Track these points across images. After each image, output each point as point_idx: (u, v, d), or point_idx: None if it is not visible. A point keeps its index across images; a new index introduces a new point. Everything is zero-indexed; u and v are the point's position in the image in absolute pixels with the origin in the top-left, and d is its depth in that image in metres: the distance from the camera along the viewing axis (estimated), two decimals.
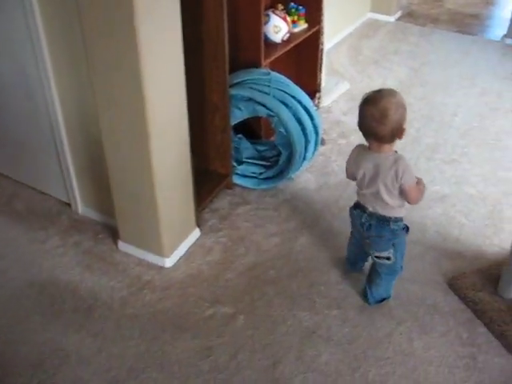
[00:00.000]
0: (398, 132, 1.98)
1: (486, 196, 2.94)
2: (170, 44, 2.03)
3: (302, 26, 3.28)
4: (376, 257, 2.23)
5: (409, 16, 5.46)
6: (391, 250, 2.19)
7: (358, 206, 2.21)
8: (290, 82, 2.79)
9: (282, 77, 2.78)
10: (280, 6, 3.14)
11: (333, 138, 3.37)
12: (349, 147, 3.19)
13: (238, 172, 2.87)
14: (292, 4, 3.24)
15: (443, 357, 2.07)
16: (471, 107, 3.81)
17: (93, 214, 2.68)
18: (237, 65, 2.80)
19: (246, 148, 2.87)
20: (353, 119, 3.49)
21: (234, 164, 2.86)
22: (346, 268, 2.47)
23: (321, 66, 3.48)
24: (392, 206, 2.10)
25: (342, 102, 3.78)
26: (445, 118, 3.66)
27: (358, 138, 3.18)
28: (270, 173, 2.85)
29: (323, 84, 3.72)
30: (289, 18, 3.09)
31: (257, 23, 2.72)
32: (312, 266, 2.46)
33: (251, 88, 2.63)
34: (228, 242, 2.56)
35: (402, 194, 2.06)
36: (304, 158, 2.81)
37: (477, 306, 2.25)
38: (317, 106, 3.50)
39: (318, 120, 2.81)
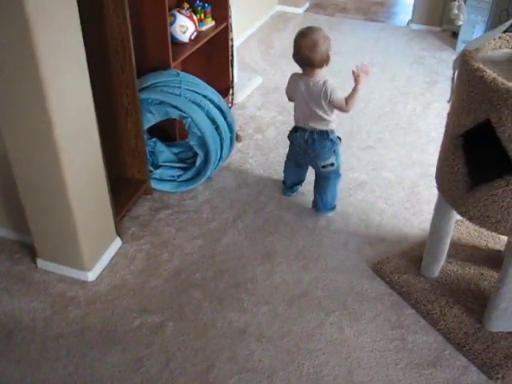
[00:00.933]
0: (326, 58, 2.47)
1: (403, 179, 3.02)
2: (71, 52, 1.98)
3: (210, 23, 3.27)
4: (322, 167, 2.66)
5: (317, 7, 5.55)
6: (334, 157, 2.64)
7: (298, 129, 2.64)
8: (201, 81, 2.78)
9: (193, 77, 2.77)
10: (186, 5, 3.12)
11: (249, 134, 3.38)
12: (265, 142, 3.27)
13: (156, 176, 2.83)
14: (198, 2, 3.21)
15: (374, 342, 2.12)
16: (383, 93, 3.91)
17: (8, 233, 2.58)
18: (146, 67, 2.76)
19: (162, 151, 2.83)
20: (268, 113, 3.58)
21: (151, 169, 2.82)
22: (284, 194, 2.89)
23: (232, 62, 3.48)
24: (328, 121, 2.55)
25: (256, 97, 3.80)
26: (359, 105, 3.68)
27: (274, 132, 3.24)
28: (188, 175, 2.83)
29: (236, 80, 3.73)
30: (195, 17, 3.07)
31: (162, 24, 2.69)
32: (237, 264, 2.46)
33: (162, 91, 2.61)
34: (151, 249, 2.53)
35: (336, 107, 2.53)
36: (220, 157, 2.81)
37: (402, 288, 2.31)
38: (231, 102, 3.50)
39: (231, 118, 2.81)
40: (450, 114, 2.00)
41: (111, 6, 2.32)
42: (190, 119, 2.60)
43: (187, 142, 2.81)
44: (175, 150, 2.89)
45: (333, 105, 2.52)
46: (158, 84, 2.64)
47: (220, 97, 2.80)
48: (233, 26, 3.49)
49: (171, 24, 2.90)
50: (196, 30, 3.05)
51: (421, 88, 3.99)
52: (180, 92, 2.60)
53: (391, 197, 2.88)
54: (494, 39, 2.00)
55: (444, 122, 2.06)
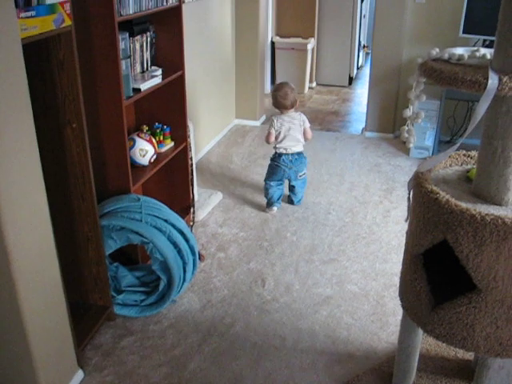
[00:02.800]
0: (294, 103, 3.84)
1: (368, 292, 3.02)
2: (30, 183, 1.98)
3: (169, 144, 3.34)
4: (299, 176, 3.89)
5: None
6: (305, 169, 3.93)
7: (281, 154, 3.84)
8: (162, 205, 2.80)
9: (154, 201, 2.79)
10: (145, 128, 3.19)
11: (211, 253, 3.37)
12: (228, 260, 3.28)
13: (119, 302, 2.79)
14: (157, 124, 3.29)
15: None
16: (343, 203, 4.00)
17: None
18: (106, 193, 2.79)
19: (124, 276, 2.80)
20: (229, 230, 3.61)
21: (114, 294, 2.77)
22: (270, 208, 3.88)
23: (192, 180, 3.54)
24: (301, 143, 3.84)
25: (217, 214, 3.84)
26: (319, 217, 3.81)
27: (237, 249, 3.26)
28: (151, 299, 2.79)
29: (197, 197, 3.79)
30: (154, 140, 3.14)
31: (122, 150, 2.74)
32: None
33: (123, 216, 2.62)
34: (115, 380, 2.43)
35: (305, 133, 3.84)
36: (184, 280, 2.79)
37: None
38: (192, 220, 3.52)
39: (193, 240, 2.82)
40: (408, 234, 2.04)
41: (71, 136, 2.37)
42: (151, 244, 2.59)
43: (150, 265, 2.79)
44: (138, 274, 2.86)
45: (305, 130, 3.84)
46: (119, 209, 2.65)
47: (181, 220, 2.81)
48: (192, 144, 3.58)
49: (131, 148, 2.95)
50: (155, 152, 3.11)
51: (379, 196, 4.10)
52: (141, 217, 2.61)
53: (357, 310, 2.87)
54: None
55: (404, 229, 2.09)
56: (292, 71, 6.84)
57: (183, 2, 3.26)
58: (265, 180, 3.92)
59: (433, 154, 4.78)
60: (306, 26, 6.90)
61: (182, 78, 3.26)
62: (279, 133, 3.81)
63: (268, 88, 6.72)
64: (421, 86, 1.92)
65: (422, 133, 4.73)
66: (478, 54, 1.84)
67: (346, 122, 5.86)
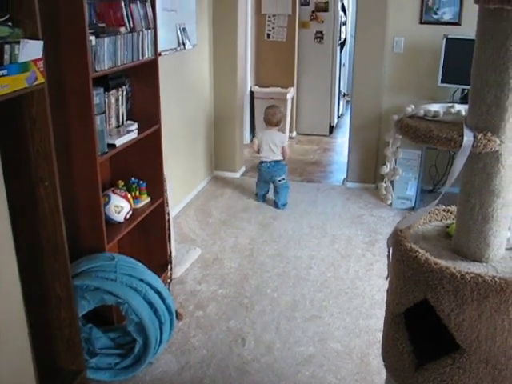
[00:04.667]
0: (279, 122, 4.92)
1: (351, 349, 3.00)
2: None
3: (145, 200, 3.34)
4: (279, 180, 4.85)
5: (253, 170, 5.77)
6: (284, 175, 4.91)
7: (262, 162, 4.88)
8: (138, 263, 2.79)
9: (129, 259, 2.77)
10: (120, 183, 3.19)
11: (190, 311, 3.34)
12: (207, 319, 3.26)
13: (93, 365, 2.73)
14: (133, 179, 3.29)
15: None
16: (324, 257, 4.00)
17: None
18: (79, 251, 2.76)
19: (98, 338, 2.76)
20: (208, 287, 3.60)
21: (87, 357, 2.72)
22: (259, 201, 4.99)
23: (169, 236, 3.53)
24: (278, 154, 4.83)
25: (195, 270, 3.82)
26: (300, 272, 3.80)
27: (216, 307, 3.25)
28: (126, 361, 2.74)
29: (174, 253, 3.76)
30: (130, 195, 3.14)
31: (96, 207, 2.74)
32: None
33: (97, 276, 2.59)
34: None
35: (282, 150, 4.87)
36: (160, 342, 2.75)
37: None
38: (170, 277, 3.50)
39: (170, 299, 2.80)
40: (389, 292, 2.05)
41: (43, 194, 2.34)
42: (126, 305, 2.57)
43: (125, 326, 2.75)
44: (113, 335, 2.82)
45: (282, 148, 4.84)
46: (93, 269, 2.63)
47: (158, 278, 2.80)
48: (169, 199, 3.58)
49: (105, 205, 2.94)
50: (131, 208, 3.11)
51: (361, 249, 4.12)
52: (116, 277, 2.59)
53: (341, 370, 2.84)
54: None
55: (387, 283, 2.09)
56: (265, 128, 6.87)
57: (159, 54, 3.32)
58: (257, 178, 5.04)
59: (415, 203, 4.83)
60: (285, 75, 7.01)
61: (158, 132, 3.28)
62: (261, 144, 4.86)
63: (247, 138, 6.79)
64: (397, 142, 1.96)
65: (403, 183, 4.78)
66: (453, 110, 1.89)
67: (327, 172, 5.92)
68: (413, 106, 1.93)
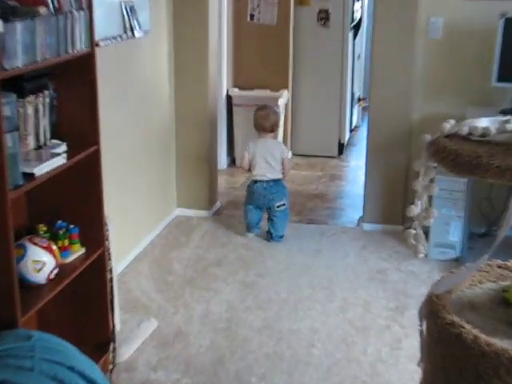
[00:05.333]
0: (275, 126, 5.21)
1: None
2: None
3: (78, 252, 3.27)
4: (277, 206, 5.09)
5: (233, 206, 5.79)
6: (285, 199, 5.15)
7: (256, 181, 5.08)
8: (67, 344, 2.69)
9: (54, 338, 2.69)
10: (42, 229, 3.14)
11: None
12: None
13: None
14: (60, 223, 3.24)
15: None
16: (332, 331, 3.94)
17: None
18: None
19: None
20: (167, 375, 3.59)
21: None
22: (250, 232, 5.25)
23: (112, 303, 3.49)
24: (278, 171, 5.06)
25: (149, 350, 3.74)
26: (298, 352, 3.74)
27: None
28: None
29: (119, 327, 3.71)
30: (55, 246, 3.07)
31: (5, 263, 2.66)
32: None
33: (6, 364, 2.52)
34: None
35: (282, 164, 5.09)
36: None
37: None
38: (112, 362, 3.45)
39: None
40: (422, 383, 2.03)
41: None
42: None
43: None
44: None
45: (283, 160, 5.10)
46: (1, 353, 2.56)
47: (95, 365, 2.72)
48: (112, 249, 3.55)
49: (19, 260, 2.87)
50: (57, 264, 3.04)
51: (385, 318, 4.07)
52: (33, 364, 2.52)
53: None
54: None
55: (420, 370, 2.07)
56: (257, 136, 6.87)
57: (97, 45, 3.31)
58: (244, 204, 5.22)
59: (461, 253, 4.79)
60: (276, 73, 7.05)
61: (96, 156, 3.25)
62: (254, 158, 5.05)
63: (223, 162, 6.84)
64: (431, 172, 1.95)
65: (444, 223, 4.74)
66: (509, 126, 1.89)
67: (335, 209, 5.91)
68: (453, 122, 1.94)
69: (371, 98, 5.30)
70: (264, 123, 5.09)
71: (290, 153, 6.24)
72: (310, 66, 7.24)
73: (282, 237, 5.12)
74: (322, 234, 5.35)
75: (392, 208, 5.32)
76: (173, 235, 5.28)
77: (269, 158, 5.02)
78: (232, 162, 7.20)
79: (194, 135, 5.53)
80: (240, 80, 7.13)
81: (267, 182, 5.03)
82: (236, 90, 7.03)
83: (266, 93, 6.93)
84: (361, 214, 5.54)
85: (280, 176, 5.09)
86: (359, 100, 8.34)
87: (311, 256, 4.95)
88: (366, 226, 5.42)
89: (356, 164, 7.16)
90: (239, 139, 6.95)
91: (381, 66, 5.14)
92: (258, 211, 5.17)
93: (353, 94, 7.87)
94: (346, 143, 7.66)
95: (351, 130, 8.09)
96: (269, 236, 5.14)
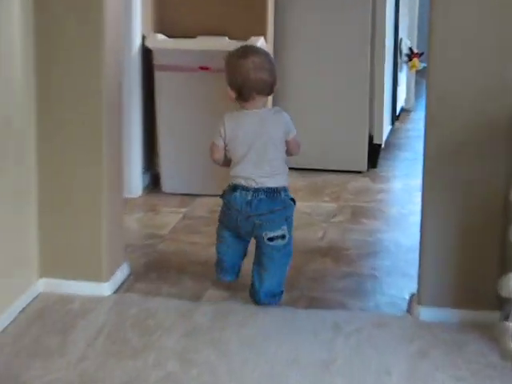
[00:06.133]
0: (274, 84, 4.51)
1: None
2: None
3: None
4: (269, 239, 4.45)
5: (157, 272, 5.35)
6: (285, 227, 4.50)
7: (236, 188, 4.44)
8: None
9: None
10: None
11: None
12: None
13: None
14: None
15: None
16: None
17: None
18: None
19: None
20: None
21: None
22: (220, 279, 4.84)
23: None
24: (283, 171, 4.51)
25: None
26: None
27: None
28: None
29: None
30: None
31: None
32: None
33: None
34: None
35: (288, 146, 4.57)
36: None
37: None
38: None
39: None
40: None
41: None
42: None
43: None
44: None
45: (288, 143, 4.48)
46: None
47: None
48: None
49: None
50: None
51: None
52: None
53: None
54: None
55: None
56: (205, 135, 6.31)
57: None
58: (217, 227, 4.70)
59: None
60: (242, 4, 6.72)
61: None
62: (234, 145, 4.44)
63: (137, 186, 6.71)
64: None
65: None
66: None
67: (360, 278, 5.35)
68: None
69: (432, 54, 4.54)
70: (260, 79, 4.28)
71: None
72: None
73: (276, 295, 4.53)
74: (335, 327, 4.60)
75: (476, 280, 4.65)
76: (31, 335, 4.57)
77: (262, 145, 4.35)
78: (153, 181, 6.95)
79: (72, 137, 4.97)
80: (167, 20, 6.75)
81: (255, 191, 4.34)
82: (161, 37, 6.63)
83: (221, 42, 6.42)
84: (414, 289, 4.85)
85: (282, 182, 4.40)
86: (410, 57, 8.08)
87: (315, 374, 4.22)
88: (425, 314, 4.68)
89: (404, 186, 7.01)
90: (166, 134, 6.64)
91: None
92: (236, 242, 4.65)
93: (398, 47, 7.72)
94: (383, 144, 7.38)
95: (395, 119, 8.06)
96: (254, 293, 4.55)
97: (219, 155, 4.48)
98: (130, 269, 5.40)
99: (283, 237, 4.41)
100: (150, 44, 6.46)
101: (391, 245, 5.83)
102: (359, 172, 6.98)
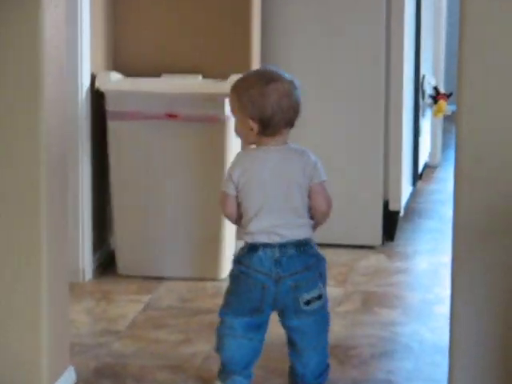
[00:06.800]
0: (294, 119, 4.45)
1: None
2: None
3: None
4: (306, 302, 4.31)
5: (111, 378, 5.05)
6: (321, 285, 4.39)
7: (256, 247, 4.23)
8: None
9: None
10: None
11: None
12: None
13: None
14: None
15: None
16: None
17: None
18: None
19: None
20: None
21: None
22: (225, 379, 4.44)
23: None
24: (306, 220, 4.38)
25: None
26: None
27: None
28: None
29: None
30: None
31: None
32: None
33: None
34: None
35: (313, 197, 4.41)
36: None
37: None
38: None
39: None
40: None
41: None
42: None
43: None
44: None
45: (313, 191, 4.38)
46: None
47: None
48: None
49: None
50: None
51: None
52: None
53: None
54: None
55: None
56: (172, 203, 6.37)
57: None
58: (220, 313, 4.34)
59: None
60: (219, 33, 6.71)
61: None
62: (248, 191, 4.24)
63: (86, 268, 6.45)
64: None
65: None
66: None
67: None
68: None
69: (459, 95, 4.22)
70: (291, 107, 4.17)
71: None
72: (306, 12, 6.89)
73: (324, 372, 4.37)
74: None
75: None
76: None
77: (284, 189, 4.14)
78: (107, 260, 6.77)
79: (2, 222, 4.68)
80: (124, 54, 6.65)
81: (282, 247, 4.12)
82: (115, 76, 6.47)
83: (193, 83, 6.49)
84: None
85: (308, 234, 4.21)
86: (435, 99, 8.00)
87: None
88: None
89: (428, 265, 6.84)
90: (123, 201, 6.50)
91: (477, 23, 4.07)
92: (255, 330, 4.30)
93: (420, 86, 7.56)
94: (402, 211, 7.15)
95: (417, 178, 7.80)
96: (294, 377, 4.30)
97: (233, 208, 4.24)
98: (77, 375, 5.08)
99: (320, 297, 4.24)
100: (101, 85, 6.19)
101: (412, 342, 5.62)
102: (372, 247, 6.84)
